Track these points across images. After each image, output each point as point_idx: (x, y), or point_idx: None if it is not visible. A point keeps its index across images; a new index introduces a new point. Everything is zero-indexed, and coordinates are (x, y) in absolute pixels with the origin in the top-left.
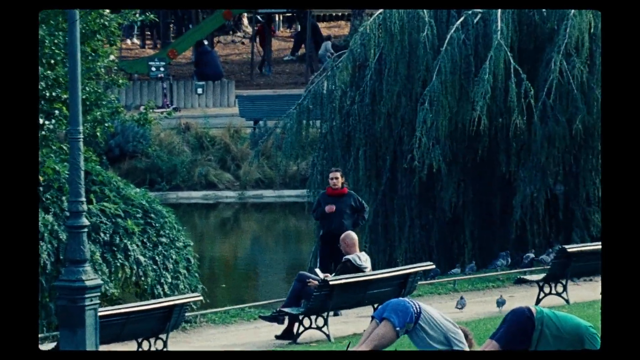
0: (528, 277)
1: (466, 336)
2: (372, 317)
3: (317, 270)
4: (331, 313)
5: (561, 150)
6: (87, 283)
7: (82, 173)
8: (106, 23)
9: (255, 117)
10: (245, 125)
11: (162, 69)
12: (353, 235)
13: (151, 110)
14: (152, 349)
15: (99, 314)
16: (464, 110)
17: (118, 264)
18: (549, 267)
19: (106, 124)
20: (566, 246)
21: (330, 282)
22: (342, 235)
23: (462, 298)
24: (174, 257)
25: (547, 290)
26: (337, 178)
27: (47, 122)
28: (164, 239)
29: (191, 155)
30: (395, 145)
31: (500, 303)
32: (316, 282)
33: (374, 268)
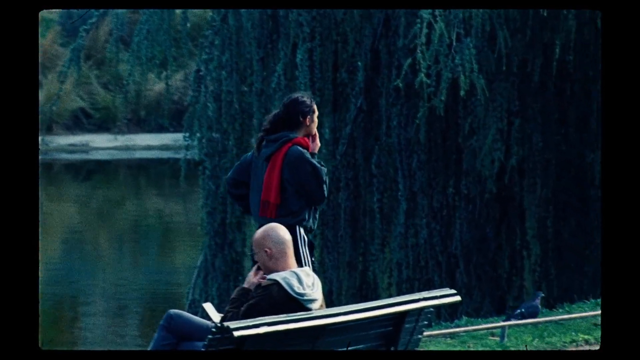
0: None
1: None
2: None
3: (208, 307)
4: None
5: None
6: None
7: None
8: None
9: None
10: None
11: None
12: (283, 231)
13: None
14: None
15: None
16: None
17: None
18: None
19: None
20: None
21: (235, 331)
22: (260, 232)
23: None
24: None
25: None
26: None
27: None
28: None
29: None
30: (377, 25)
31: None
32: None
33: (329, 301)
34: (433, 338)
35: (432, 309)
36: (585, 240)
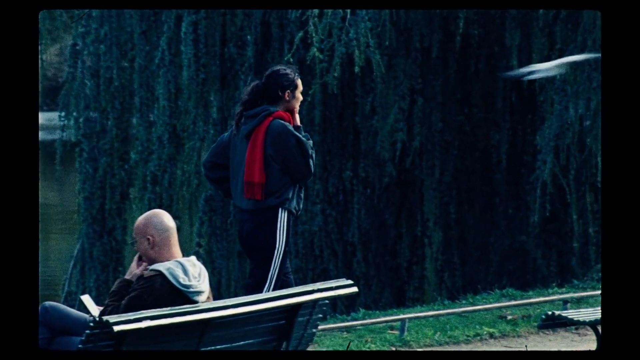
0: (571, 313)
1: None
2: None
3: (86, 299)
4: None
5: None
6: None
7: None
8: None
9: None
10: None
11: None
12: (167, 218)
13: None
14: None
15: None
16: None
17: None
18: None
19: None
20: None
21: (115, 325)
22: (142, 219)
23: None
24: None
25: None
26: None
27: None
28: None
29: None
30: None
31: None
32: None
33: (217, 293)
34: (328, 332)
35: (327, 301)
36: (490, 227)
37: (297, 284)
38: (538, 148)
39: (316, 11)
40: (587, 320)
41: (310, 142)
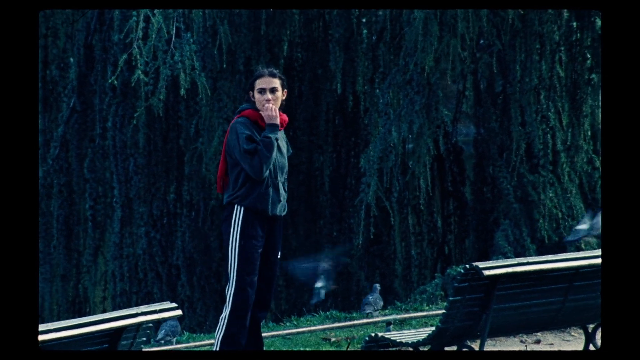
0: (394, 335)
1: None
2: None
3: None
4: None
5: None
6: None
7: None
8: None
9: None
10: None
11: None
12: None
13: None
14: None
15: None
16: None
17: None
18: (439, 310)
19: None
20: (482, 264)
21: None
22: None
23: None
24: None
25: None
26: (277, 89)
27: None
28: None
29: None
30: None
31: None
32: None
33: (40, 316)
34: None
35: (151, 324)
36: (315, 249)
37: (120, 308)
38: (362, 171)
39: (140, 34)
40: (410, 342)
41: (270, 142)
